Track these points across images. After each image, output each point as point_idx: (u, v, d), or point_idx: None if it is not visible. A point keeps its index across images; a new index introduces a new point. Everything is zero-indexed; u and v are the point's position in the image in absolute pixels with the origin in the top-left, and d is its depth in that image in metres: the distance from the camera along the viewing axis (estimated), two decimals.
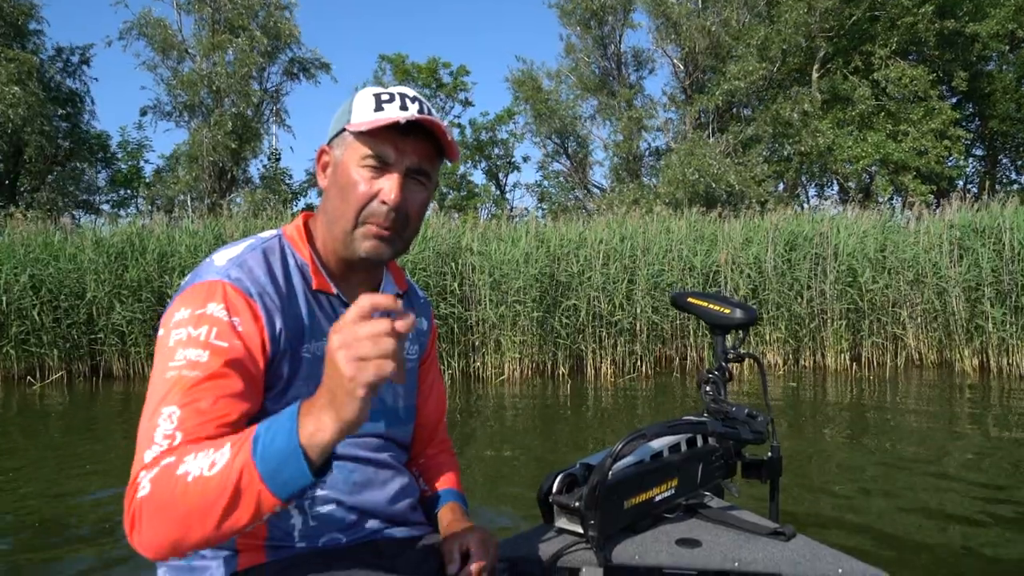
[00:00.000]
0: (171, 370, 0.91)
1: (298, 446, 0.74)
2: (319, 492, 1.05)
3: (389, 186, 1.01)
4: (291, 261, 1.06)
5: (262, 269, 1.01)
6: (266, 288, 1.00)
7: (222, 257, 1.02)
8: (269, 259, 1.03)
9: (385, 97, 1.04)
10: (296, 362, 1.02)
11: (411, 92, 1.07)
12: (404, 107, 1.03)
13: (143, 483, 0.82)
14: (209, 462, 0.78)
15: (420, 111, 1.04)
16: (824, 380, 7.72)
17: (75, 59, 19.47)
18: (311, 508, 1.05)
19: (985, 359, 8.19)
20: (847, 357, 8.46)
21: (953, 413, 5.93)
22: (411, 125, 1.00)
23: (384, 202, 1.01)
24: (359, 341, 0.71)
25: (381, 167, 1.02)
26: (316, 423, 0.74)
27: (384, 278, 1.18)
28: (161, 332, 0.97)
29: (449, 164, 1.17)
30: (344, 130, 1.04)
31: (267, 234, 1.09)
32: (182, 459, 0.81)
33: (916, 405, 6.28)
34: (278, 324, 0.99)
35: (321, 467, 0.76)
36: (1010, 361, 8.00)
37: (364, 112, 1.03)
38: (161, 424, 0.87)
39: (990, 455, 4.51)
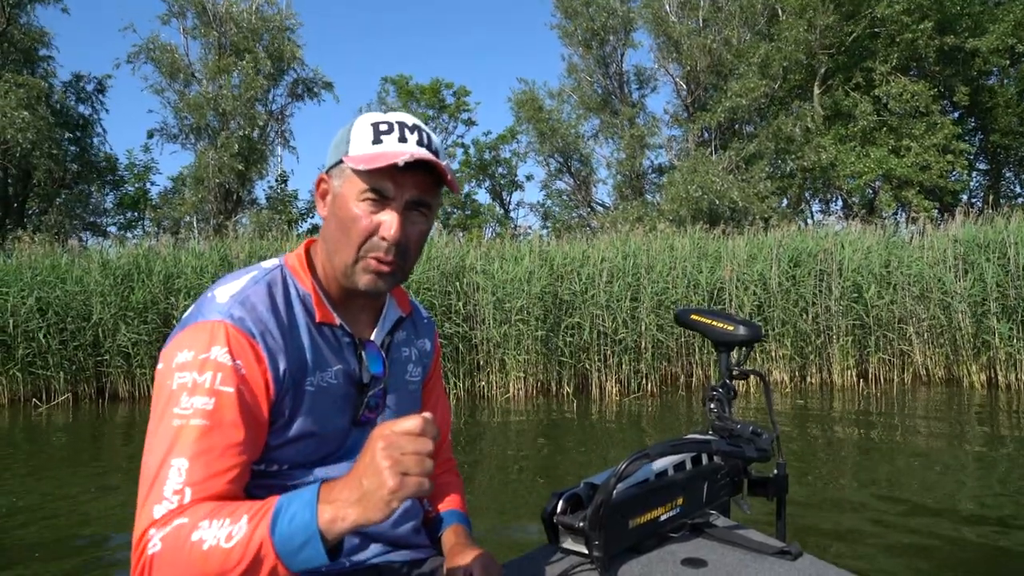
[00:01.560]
0: (177, 417, 0.90)
1: (317, 531, 0.79)
2: None
3: (388, 221, 1.00)
4: (293, 292, 1.05)
5: (265, 305, 1.00)
6: (268, 326, 0.99)
7: (224, 293, 1.00)
8: (272, 292, 1.02)
9: (383, 127, 1.02)
10: (299, 396, 1.01)
11: (411, 120, 1.05)
12: (403, 138, 1.02)
13: (154, 540, 0.84)
14: (226, 533, 0.81)
15: (420, 142, 1.03)
16: (831, 397, 7.68)
17: (90, 87, 19.70)
18: None
19: (993, 375, 8.14)
20: (854, 374, 8.41)
21: (962, 430, 5.88)
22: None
23: (384, 238, 1.01)
24: (406, 456, 0.78)
25: (380, 200, 1.01)
26: (337, 513, 0.79)
27: (387, 302, 1.18)
28: (161, 366, 0.96)
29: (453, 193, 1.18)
30: (342, 161, 1.02)
31: (269, 264, 1.08)
32: (196, 524, 0.83)
33: (924, 422, 6.24)
34: (281, 364, 0.99)
35: (335, 548, 0.82)
36: (1018, 376, 7.94)
37: (362, 144, 1.02)
38: (171, 477, 0.87)
39: (1000, 473, 4.47)
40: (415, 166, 1.00)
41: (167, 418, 0.91)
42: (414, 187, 1.02)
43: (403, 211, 1.02)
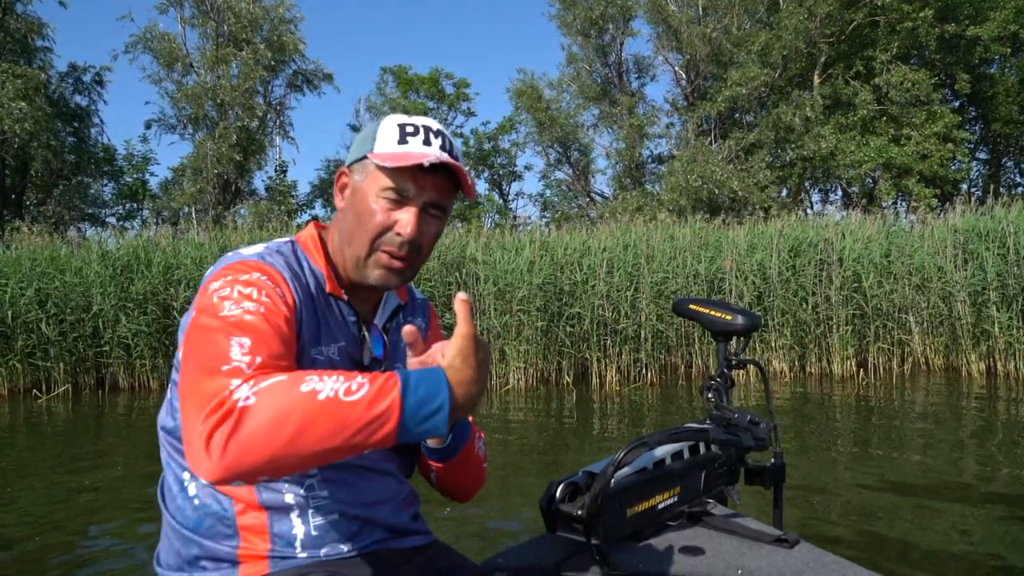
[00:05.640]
0: (231, 316, 0.90)
1: (448, 400, 0.82)
2: (322, 501, 1.05)
3: (406, 219, 1.04)
4: (305, 266, 1.08)
5: (284, 265, 1.05)
6: (292, 279, 1.03)
7: (248, 250, 1.05)
8: (288, 260, 1.06)
9: (409, 129, 1.06)
10: (308, 360, 1.03)
11: (435, 125, 1.08)
12: (427, 142, 1.05)
13: (245, 393, 0.77)
14: (344, 388, 0.78)
15: (443, 147, 1.06)
16: (830, 387, 7.69)
17: (87, 78, 19.59)
18: (314, 517, 1.05)
19: (992, 364, 8.15)
20: (853, 363, 8.43)
21: (960, 419, 5.89)
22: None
23: (399, 234, 1.04)
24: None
25: (400, 199, 1.04)
26: (465, 399, 0.83)
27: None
28: (195, 305, 0.96)
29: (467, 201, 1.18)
30: (366, 157, 1.06)
31: (281, 240, 1.12)
32: (303, 378, 0.79)
33: (923, 411, 6.25)
34: (303, 312, 1.03)
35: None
36: (1017, 365, 7.96)
37: (388, 143, 1.05)
38: (234, 348, 0.85)
39: (998, 462, 4.48)
40: (436, 169, 1.04)
41: (215, 319, 0.90)
42: (433, 189, 1.06)
43: (420, 211, 1.05)
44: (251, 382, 0.79)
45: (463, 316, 0.86)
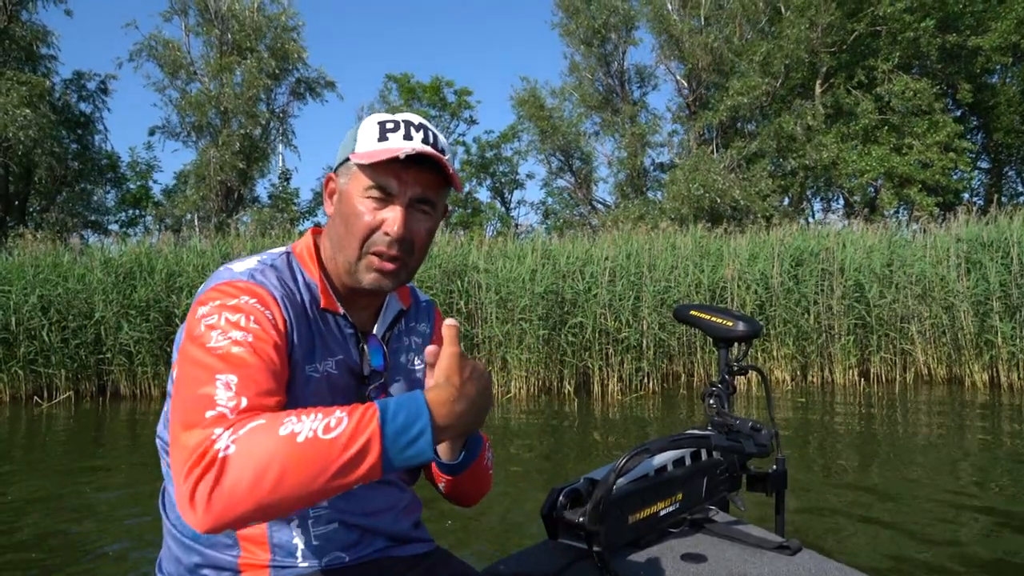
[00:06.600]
0: (217, 348, 0.88)
1: (429, 424, 0.81)
2: (322, 511, 1.05)
3: (392, 217, 1.02)
4: (300, 279, 1.07)
5: (274, 283, 1.03)
6: (284, 297, 1.01)
7: (239, 266, 1.03)
8: (280, 276, 1.04)
9: (390, 126, 1.04)
10: (304, 378, 1.02)
11: (416, 119, 1.06)
12: (408, 136, 1.03)
13: (224, 441, 0.76)
14: (322, 426, 0.77)
15: (424, 139, 1.04)
16: (832, 396, 7.67)
17: (92, 85, 19.68)
18: (314, 527, 1.05)
19: (995, 374, 8.12)
20: (855, 373, 8.41)
21: (963, 429, 5.88)
22: (415, 154, 1.00)
23: (387, 233, 1.02)
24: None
25: (384, 198, 1.02)
26: (448, 419, 0.84)
27: (388, 296, 1.18)
28: (184, 328, 0.96)
29: (454, 192, 1.16)
30: (349, 159, 1.04)
31: (277, 251, 1.10)
32: (281, 421, 0.78)
33: (926, 421, 6.23)
34: (295, 334, 1.01)
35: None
36: (1020, 376, 7.93)
37: (368, 142, 1.03)
38: (220, 390, 0.84)
39: (1000, 472, 4.47)
40: (419, 163, 1.02)
41: (202, 352, 0.89)
42: (417, 184, 1.03)
43: (407, 208, 1.03)
44: (231, 429, 0.78)
45: (449, 337, 0.89)
